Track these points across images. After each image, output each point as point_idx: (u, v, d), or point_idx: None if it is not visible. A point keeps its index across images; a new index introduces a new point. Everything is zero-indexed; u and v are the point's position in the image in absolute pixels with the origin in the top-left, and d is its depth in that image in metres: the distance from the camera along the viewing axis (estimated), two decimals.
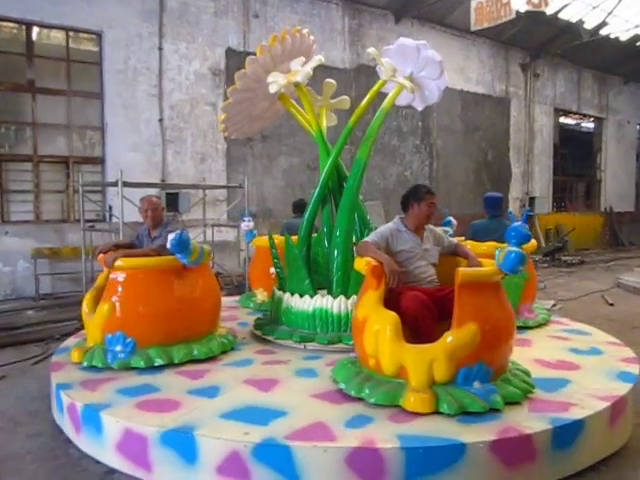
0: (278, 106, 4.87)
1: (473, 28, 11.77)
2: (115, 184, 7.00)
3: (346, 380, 3.12)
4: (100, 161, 9.00)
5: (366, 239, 3.59)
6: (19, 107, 8.57)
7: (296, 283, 4.41)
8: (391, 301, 3.25)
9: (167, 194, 8.63)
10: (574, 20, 13.96)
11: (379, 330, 3.04)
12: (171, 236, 3.66)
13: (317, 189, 4.50)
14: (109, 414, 2.90)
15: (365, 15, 11.78)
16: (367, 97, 4.46)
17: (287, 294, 4.43)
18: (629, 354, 3.79)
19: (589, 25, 14.28)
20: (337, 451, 2.46)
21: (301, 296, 4.32)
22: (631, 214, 18.88)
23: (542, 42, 14.84)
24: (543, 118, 16.00)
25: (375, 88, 4.38)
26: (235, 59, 9.95)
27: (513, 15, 10.96)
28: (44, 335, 5.71)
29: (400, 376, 2.98)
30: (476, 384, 2.92)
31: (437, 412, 2.79)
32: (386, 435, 2.56)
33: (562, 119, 17.64)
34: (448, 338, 2.91)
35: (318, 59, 4.29)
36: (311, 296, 4.27)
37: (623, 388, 3.12)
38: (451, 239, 3.96)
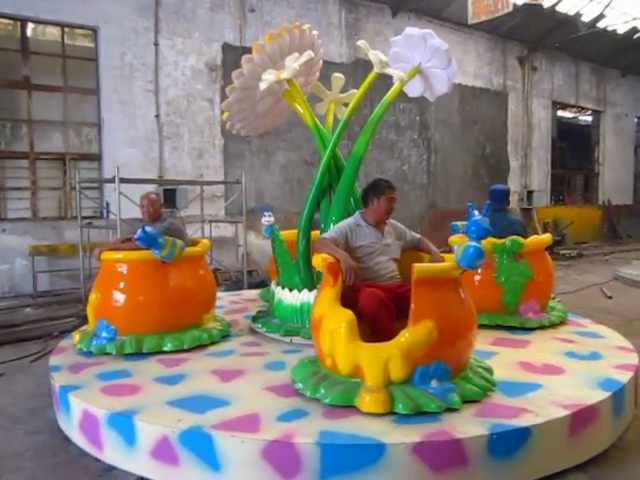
0: (286, 102, 4.84)
1: (470, 21, 11.75)
2: (112, 180, 6.97)
3: (303, 380, 3.06)
4: (97, 157, 8.97)
5: (324, 235, 3.52)
6: (15, 104, 8.53)
7: (286, 277, 4.48)
8: (350, 298, 3.18)
9: (164, 190, 8.59)
10: (571, 13, 13.93)
11: (334, 329, 2.97)
12: (138, 233, 3.83)
13: (315, 184, 4.50)
14: (75, 395, 3.12)
15: (362, 9, 11.73)
16: (360, 91, 4.42)
17: (279, 288, 4.50)
18: (631, 360, 3.51)
19: (587, 18, 14.25)
20: (254, 443, 2.49)
21: (290, 290, 4.37)
22: (629, 207, 18.89)
23: (539, 35, 14.79)
24: (541, 111, 15.98)
25: (367, 81, 4.35)
26: (231, 54, 9.90)
27: (510, 8, 10.94)
28: (42, 332, 5.71)
29: (356, 376, 2.91)
30: (434, 383, 2.86)
31: (391, 412, 2.72)
32: (310, 430, 2.55)
33: (560, 112, 17.62)
34: (403, 336, 2.83)
35: (307, 54, 4.26)
36: (299, 290, 4.31)
37: (597, 396, 2.89)
38: (414, 234, 3.86)
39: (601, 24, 14.60)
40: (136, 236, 3.85)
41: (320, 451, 2.43)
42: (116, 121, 8.83)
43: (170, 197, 8.52)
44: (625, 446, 3.01)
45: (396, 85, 4.30)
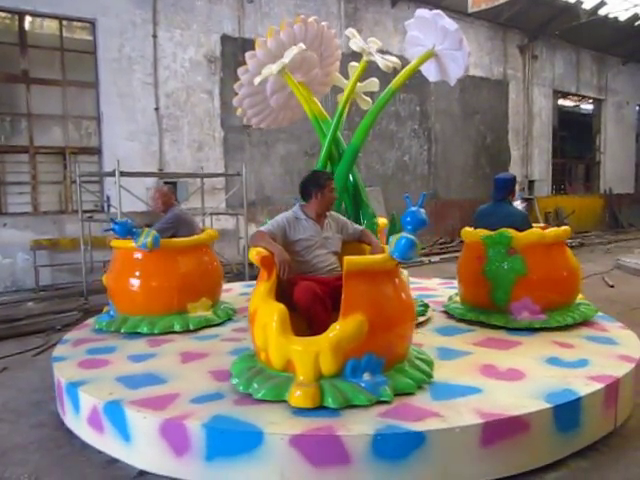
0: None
1: (470, 10, 11.68)
2: (112, 174, 6.96)
3: (239, 374, 3.05)
4: (97, 151, 8.96)
5: (261, 228, 3.45)
6: (14, 98, 8.51)
7: None
8: (288, 292, 3.16)
9: (165, 183, 8.58)
10: (572, 0, 13.82)
11: (267, 323, 2.94)
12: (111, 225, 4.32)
13: None
14: (56, 366, 3.55)
15: None
16: (351, 80, 4.39)
17: None
18: (616, 372, 3.10)
19: (587, 5, 14.13)
20: (154, 420, 2.68)
21: None
22: (631, 196, 18.85)
23: (540, 23, 14.69)
24: (542, 100, 15.91)
25: (358, 70, 4.32)
26: (230, 45, 9.86)
27: None
28: (45, 326, 5.72)
29: (288, 370, 2.88)
30: (366, 376, 2.82)
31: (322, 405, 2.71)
32: (207, 413, 2.67)
33: (561, 101, 17.54)
34: (334, 330, 2.80)
35: (298, 47, 4.25)
36: None
37: (532, 407, 2.65)
38: (357, 226, 3.82)
39: (602, 11, 14.48)
40: (110, 227, 4.35)
41: (206, 433, 2.55)
42: (115, 114, 8.81)
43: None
44: (626, 433, 3.03)
45: (404, 71, 4.25)
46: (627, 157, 19.12)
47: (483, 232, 4.25)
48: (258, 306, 3.06)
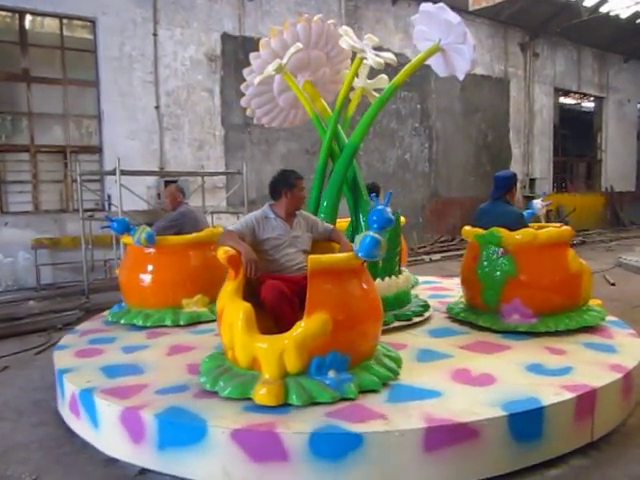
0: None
1: (471, 8, 11.65)
2: (113, 172, 6.96)
3: (206, 373, 3.08)
4: (97, 150, 8.96)
5: (229, 228, 3.48)
6: (14, 97, 8.51)
7: None
8: (257, 291, 3.19)
9: (165, 182, 8.59)
10: None
11: (233, 321, 2.97)
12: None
13: (317, 170, 4.51)
14: (56, 354, 3.80)
15: None
16: (347, 77, 4.36)
17: None
18: (596, 382, 2.93)
19: (589, 3, 14.09)
20: (115, 409, 2.84)
21: None
22: (632, 194, 18.81)
23: (541, 21, 14.66)
24: (543, 98, 15.88)
25: (354, 67, 4.31)
26: (231, 44, 9.85)
27: None
28: (46, 325, 5.73)
29: (254, 368, 2.92)
30: (331, 373, 2.85)
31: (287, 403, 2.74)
32: (163, 404, 2.80)
33: (562, 99, 17.51)
34: (298, 328, 2.83)
35: (295, 47, 4.25)
36: None
37: (485, 414, 2.57)
38: (327, 225, 3.81)
39: (603, 9, 14.44)
40: (108, 225, 4.66)
41: (158, 423, 2.67)
42: (116, 113, 8.81)
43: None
44: (627, 431, 3.03)
45: (407, 67, 4.22)
46: (628, 155, 19.08)
47: (477, 231, 4.20)
48: (225, 305, 3.09)
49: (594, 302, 4.22)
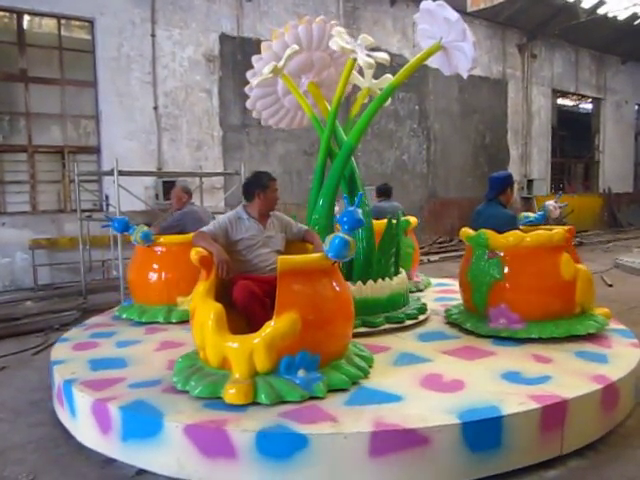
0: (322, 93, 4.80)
1: (469, 9, 11.65)
2: (111, 173, 6.95)
3: (178, 373, 3.13)
4: (95, 150, 8.94)
5: (203, 229, 3.53)
6: (12, 97, 8.48)
7: None
8: (230, 291, 3.25)
9: (163, 182, 8.58)
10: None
11: (204, 321, 3.01)
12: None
13: (317, 170, 4.53)
14: (55, 347, 4.06)
15: None
16: (342, 78, 4.36)
17: None
18: (568, 393, 2.81)
19: (586, 4, 14.12)
20: (88, 400, 3.00)
21: None
22: (630, 195, 18.85)
23: (539, 22, 14.68)
24: (541, 99, 15.90)
25: (347, 68, 4.31)
26: (229, 44, 9.85)
27: None
28: (43, 325, 5.72)
29: (225, 367, 2.97)
30: (300, 372, 2.90)
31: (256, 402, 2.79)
32: (132, 398, 2.93)
33: (560, 100, 17.53)
34: (267, 328, 2.88)
35: (291, 48, 4.27)
36: None
37: (438, 421, 2.53)
38: (301, 226, 3.87)
39: (601, 10, 14.47)
40: (108, 224, 4.90)
41: (121, 416, 2.80)
42: (114, 113, 8.79)
43: (169, 189, 8.48)
44: (625, 433, 3.03)
45: (405, 69, 4.21)
46: (626, 156, 19.12)
47: (469, 233, 4.17)
48: (197, 305, 3.14)
49: (600, 311, 4.03)
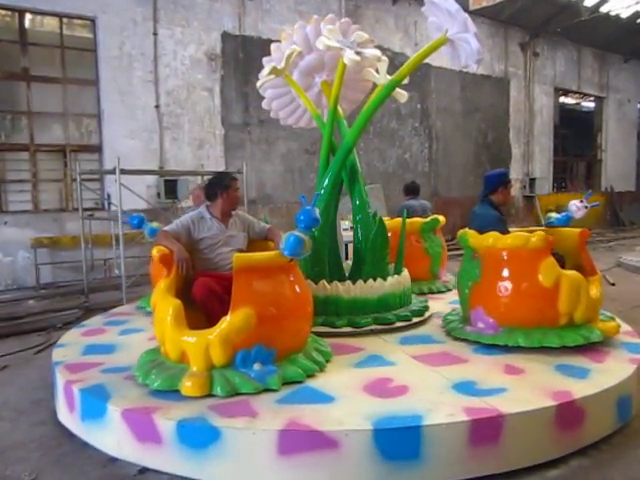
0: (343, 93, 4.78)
1: (472, 7, 11.62)
2: (113, 172, 6.94)
3: (140, 367, 3.21)
4: (97, 149, 8.95)
5: (166, 228, 3.64)
6: (14, 96, 8.49)
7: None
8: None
9: (165, 181, 8.58)
10: None
11: (163, 317, 3.12)
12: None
13: (319, 172, 4.53)
14: (72, 331, 4.44)
15: None
16: (337, 77, 4.33)
17: None
18: (509, 408, 2.62)
19: (589, 2, 14.10)
20: (62, 381, 3.24)
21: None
22: (632, 194, 18.82)
23: (541, 21, 14.66)
24: (543, 98, 15.87)
25: (339, 68, 4.30)
26: (231, 43, 9.84)
27: None
28: (46, 324, 5.73)
29: (183, 361, 3.07)
30: (256, 366, 3.00)
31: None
32: (95, 382, 3.16)
33: (562, 99, 17.50)
34: (223, 323, 2.97)
35: (291, 49, 4.27)
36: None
37: (350, 425, 2.50)
38: (263, 224, 3.95)
39: (603, 9, 14.45)
40: (127, 220, 5.06)
41: (80, 397, 3.05)
42: (116, 112, 8.80)
43: (171, 188, 8.52)
44: (629, 432, 3.02)
45: (408, 63, 4.20)
46: (628, 155, 19.08)
47: (461, 231, 4.07)
48: (157, 302, 3.25)
49: (606, 325, 3.67)
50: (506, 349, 3.51)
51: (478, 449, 2.54)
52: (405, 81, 4.68)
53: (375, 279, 4.24)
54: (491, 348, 3.56)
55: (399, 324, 4.16)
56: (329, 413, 2.64)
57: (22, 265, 8.11)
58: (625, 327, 4.03)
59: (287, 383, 2.99)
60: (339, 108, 4.68)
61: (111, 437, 2.85)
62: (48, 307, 6.62)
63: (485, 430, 2.55)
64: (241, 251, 3.62)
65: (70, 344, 3.97)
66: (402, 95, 4.79)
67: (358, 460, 2.45)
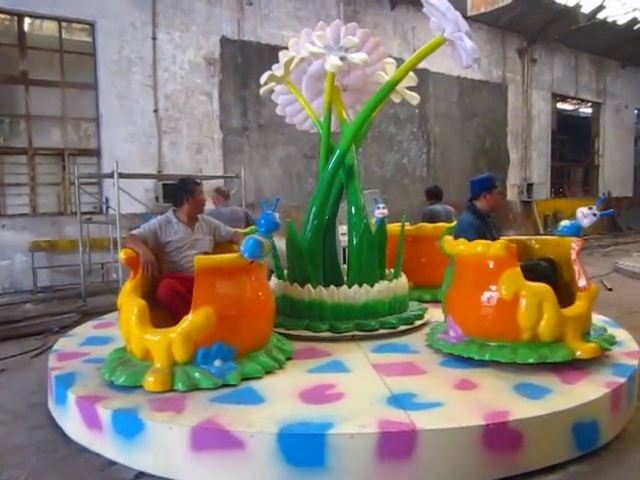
0: (353, 96, 4.81)
1: (470, 13, 11.66)
2: (111, 176, 6.95)
3: (107, 364, 3.36)
4: (96, 153, 8.94)
5: (133, 232, 3.78)
6: (13, 99, 8.49)
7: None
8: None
9: (163, 185, 8.58)
10: (571, 4, 13.83)
11: (129, 317, 3.28)
12: None
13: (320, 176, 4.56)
14: (90, 322, 4.85)
15: (360, 1, 11.65)
16: (327, 83, 4.35)
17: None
18: (434, 425, 2.56)
19: (586, 9, 14.16)
20: (49, 366, 3.60)
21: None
22: (629, 199, 18.85)
23: (539, 27, 14.71)
24: (540, 103, 15.92)
25: (329, 74, 4.32)
26: (230, 48, 9.86)
27: (510, 0, 10.87)
28: (43, 328, 5.71)
29: (147, 359, 3.24)
30: (217, 362, 3.17)
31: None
32: (71, 370, 3.46)
33: (560, 104, 17.55)
34: (185, 322, 3.14)
35: (289, 56, 4.30)
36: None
37: (257, 428, 2.56)
38: (229, 229, 4.11)
39: (601, 15, 14.51)
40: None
41: (55, 384, 3.33)
42: (114, 116, 8.80)
43: (169, 192, 8.50)
44: (627, 437, 3.02)
45: (403, 65, 4.20)
46: (626, 160, 19.13)
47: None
48: (123, 302, 3.42)
49: (583, 346, 3.31)
50: (478, 363, 3.34)
51: (387, 463, 2.49)
52: (414, 82, 4.68)
53: (361, 285, 4.22)
54: (462, 361, 3.41)
55: (383, 331, 4.10)
56: (249, 415, 2.71)
57: (20, 268, 8.09)
58: (629, 347, 3.69)
59: (246, 379, 3.15)
60: (346, 113, 4.70)
61: (71, 423, 3.12)
62: (45, 311, 6.61)
63: (395, 444, 2.49)
64: (207, 254, 3.75)
65: (77, 335, 4.33)
66: (414, 97, 4.79)
67: (263, 462, 2.52)
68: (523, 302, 3.30)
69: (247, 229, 4.60)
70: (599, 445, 2.87)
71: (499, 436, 2.58)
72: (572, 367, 3.26)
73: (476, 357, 3.35)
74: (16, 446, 3.06)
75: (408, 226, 5.28)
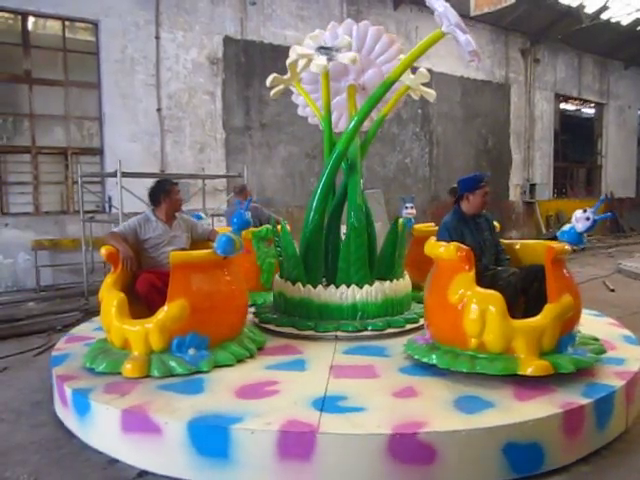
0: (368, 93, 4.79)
1: (473, 13, 11.66)
2: (114, 175, 6.97)
3: (89, 353, 3.56)
4: (99, 152, 8.95)
5: (114, 229, 4.04)
6: (16, 98, 8.51)
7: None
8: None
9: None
10: (574, 4, 13.82)
11: (108, 309, 3.50)
12: None
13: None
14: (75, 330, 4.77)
15: (363, 1, 11.65)
16: (322, 81, 4.36)
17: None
18: (337, 430, 2.53)
19: (590, 9, 14.13)
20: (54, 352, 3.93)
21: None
22: (632, 200, 18.82)
23: (542, 27, 14.70)
24: (543, 104, 15.90)
25: (323, 74, 4.33)
26: (233, 47, 9.86)
27: (513, 0, 10.86)
28: (46, 326, 5.72)
29: (126, 348, 3.45)
30: (191, 351, 3.36)
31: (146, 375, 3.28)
32: (66, 352, 3.85)
33: (562, 105, 17.53)
34: (161, 313, 3.35)
35: (291, 58, 4.31)
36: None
37: (174, 416, 2.71)
38: (206, 227, 4.38)
39: (604, 16, 14.49)
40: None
41: (50, 364, 3.64)
42: (117, 115, 8.81)
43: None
44: (630, 439, 3.01)
45: (403, 61, 4.15)
46: (629, 161, 19.10)
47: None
48: (104, 295, 3.62)
49: (532, 362, 3.02)
50: (438, 371, 3.21)
51: (287, 462, 2.51)
52: (426, 79, 4.66)
53: (349, 285, 4.22)
54: (425, 368, 3.29)
55: (367, 333, 4.06)
56: (177, 403, 2.90)
57: (22, 267, 8.11)
58: (628, 366, 3.33)
59: (218, 366, 3.36)
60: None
61: (55, 398, 3.44)
62: (48, 309, 6.63)
63: (295, 445, 2.51)
64: (184, 250, 3.92)
65: (82, 330, 4.57)
66: (430, 94, 4.75)
67: (176, 449, 2.69)
68: (468, 308, 3.15)
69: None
70: (544, 469, 2.63)
71: (407, 448, 2.48)
72: (538, 383, 2.99)
73: (424, 360, 3.28)
74: (19, 444, 3.07)
75: (424, 225, 5.33)
